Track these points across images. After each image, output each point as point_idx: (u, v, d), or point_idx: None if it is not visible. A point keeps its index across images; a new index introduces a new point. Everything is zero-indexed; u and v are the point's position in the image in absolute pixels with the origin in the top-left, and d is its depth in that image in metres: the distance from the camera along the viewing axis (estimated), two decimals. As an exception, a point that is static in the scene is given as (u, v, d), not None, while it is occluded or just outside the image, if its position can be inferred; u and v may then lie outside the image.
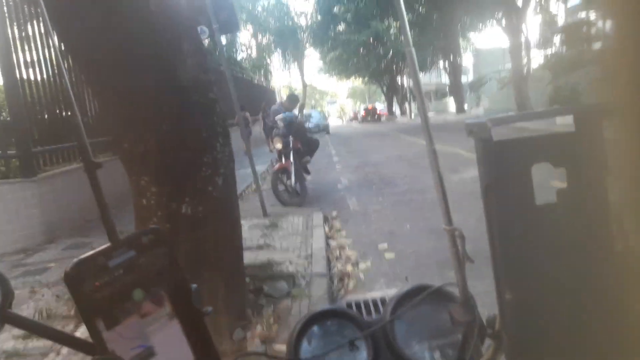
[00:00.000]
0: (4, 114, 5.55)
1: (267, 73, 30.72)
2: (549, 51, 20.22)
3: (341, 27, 30.94)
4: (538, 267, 0.68)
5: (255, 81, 22.34)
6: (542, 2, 20.84)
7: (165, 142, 2.29)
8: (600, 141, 0.66)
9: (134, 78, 2.17)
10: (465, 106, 27.88)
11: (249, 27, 35.62)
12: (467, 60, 34.86)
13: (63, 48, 2.72)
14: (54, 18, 2.01)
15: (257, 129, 16.87)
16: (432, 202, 5.66)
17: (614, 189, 0.65)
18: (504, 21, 18.48)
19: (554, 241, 0.69)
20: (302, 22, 36.50)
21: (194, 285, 0.84)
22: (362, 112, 44.25)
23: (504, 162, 0.69)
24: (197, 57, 2.37)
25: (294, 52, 37.25)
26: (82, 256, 0.73)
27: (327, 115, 44.48)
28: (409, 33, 1.03)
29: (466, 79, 32.73)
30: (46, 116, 5.64)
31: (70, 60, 5.21)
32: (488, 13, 20.74)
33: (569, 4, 21.80)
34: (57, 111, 5.82)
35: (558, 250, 0.68)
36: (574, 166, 0.69)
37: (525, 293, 0.69)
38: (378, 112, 43.03)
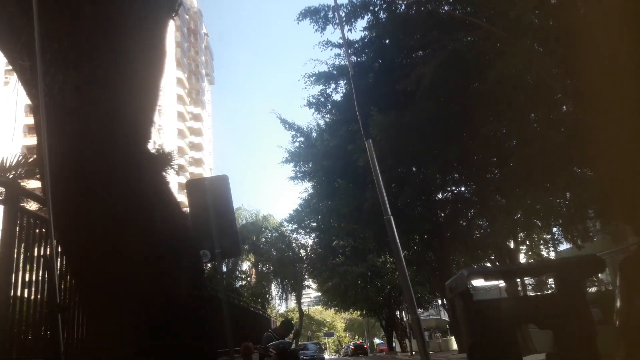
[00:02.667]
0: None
1: (264, 301, 30.56)
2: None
3: (339, 259, 31.98)
4: None
5: (252, 309, 22.03)
6: (533, 247, 21.95)
7: (148, 357, 2.16)
8: (584, 300, 0.65)
9: (128, 288, 2.18)
10: (468, 345, 26.71)
11: (251, 256, 36.96)
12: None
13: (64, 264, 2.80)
14: (60, 230, 2.13)
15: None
16: None
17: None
18: (497, 262, 19.16)
19: None
20: (302, 252, 37.93)
21: None
22: (352, 347, 52.05)
23: (487, 322, 0.65)
24: (193, 273, 2.42)
25: (292, 282, 37.69)
26: None
27: (323, 347, 42.77)
28: (387, 203, 1.08)
29: (465, 316, 32.16)
30: (30, 337, 5.41)
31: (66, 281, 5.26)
32: (481, 254, 21.65)
33: (560, 248, 22.98)
34: (42, 332, 5.60)
35: None
36: (560, 327, 0.65)
37: None
38: (365, 346, 51.47)
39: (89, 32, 2.40)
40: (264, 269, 36.91)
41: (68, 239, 2.30)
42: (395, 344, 43.46)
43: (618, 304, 1.14)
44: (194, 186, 5.56)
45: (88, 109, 2.30)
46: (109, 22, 2.44)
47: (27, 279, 5.42)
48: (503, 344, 0.70)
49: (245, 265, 36.73)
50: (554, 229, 20.12)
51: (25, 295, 5.38)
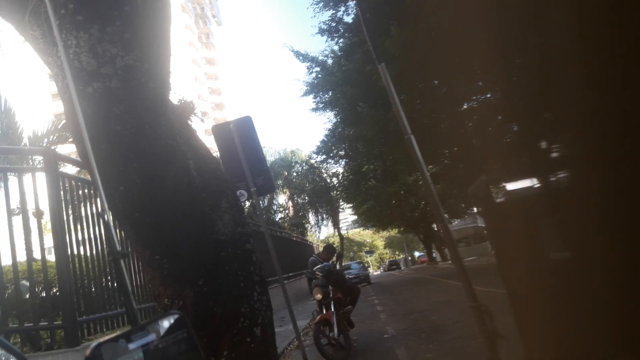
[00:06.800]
0: (54, 289, 5.80)
1: (304, 230, 31.51)
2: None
3: (371, 182, 32.25)
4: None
5: (294, 238, 22.83)
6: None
7: (202, 295, 2.35)
8: (597, 195, 0.70)
9: (173, 235, 2.33)
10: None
11: (286, 190, 37.77)
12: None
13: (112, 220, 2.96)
14: (103, 183, 2.27)
15: (303, 284, 16.79)
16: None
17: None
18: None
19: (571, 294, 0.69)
20: (335, 180, 38.44)
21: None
22: (387, 263, 57.44)
23: (508, 222, 0.72)
24: (233, 212, 2.56)
25: (328, 209, 38.55)
26: (103, 339, 0.76)
27: (367, 265, 44.43)
28: (406, 122, 1.13)
29: (502, 221, 32.44)
30: (93, 288, 5.86)
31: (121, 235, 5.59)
32: (513, 159, 21.34)
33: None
34: (103, 283, 6.03)
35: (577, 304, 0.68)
36: (580, 221, 0.71)
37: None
38: (398, 262, 57.19)
39: (92, -9, 2.40)
40: (300, 200, 37.77)
41: (111, 197, 2.43)
42: (436, 255, 44.63)
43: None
44: (220, 130, 5.67)
45: (106, 69, 2.35)
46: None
47: (79, 237, 5.77)
48: (525, 242, 0.74)
49: (282, 200, 37.64)
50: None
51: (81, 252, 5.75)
